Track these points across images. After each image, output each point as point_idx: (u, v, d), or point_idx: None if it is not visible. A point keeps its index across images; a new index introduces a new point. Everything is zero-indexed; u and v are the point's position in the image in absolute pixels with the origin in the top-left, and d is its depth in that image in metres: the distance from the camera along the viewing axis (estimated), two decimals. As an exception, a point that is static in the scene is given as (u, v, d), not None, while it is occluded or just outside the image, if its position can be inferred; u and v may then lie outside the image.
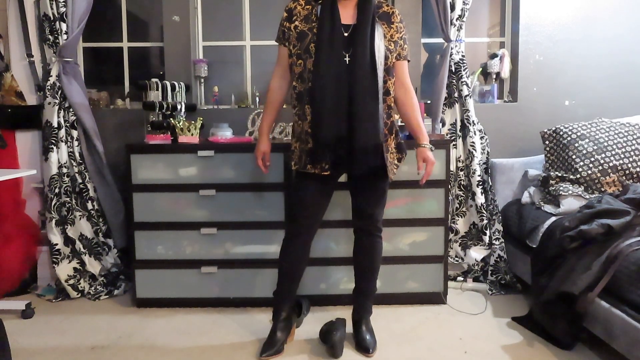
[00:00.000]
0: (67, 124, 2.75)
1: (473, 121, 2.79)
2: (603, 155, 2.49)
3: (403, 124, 2.57)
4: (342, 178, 2.12)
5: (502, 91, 3.17)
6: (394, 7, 2.01)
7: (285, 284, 2.12)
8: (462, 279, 2.84)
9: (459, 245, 2.87)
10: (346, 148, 1.86)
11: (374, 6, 1.90)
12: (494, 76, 3.06)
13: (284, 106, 2.20)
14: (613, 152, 2.48)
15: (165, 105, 2.65)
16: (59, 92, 2.72)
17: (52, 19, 2.67)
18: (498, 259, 2.76)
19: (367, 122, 1.84)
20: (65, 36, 2.69)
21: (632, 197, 2.18)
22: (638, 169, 2.45)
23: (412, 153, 2.13)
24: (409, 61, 2.05)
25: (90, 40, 3.13)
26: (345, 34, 1.87)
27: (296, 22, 1.92)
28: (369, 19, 1.86)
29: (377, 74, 1.85)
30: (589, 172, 2.47)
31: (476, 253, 2.81)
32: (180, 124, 2.57)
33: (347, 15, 1.90)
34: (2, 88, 2.80)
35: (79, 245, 2.75)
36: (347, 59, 1.84)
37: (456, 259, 2.87)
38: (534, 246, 2.40)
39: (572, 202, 2.42)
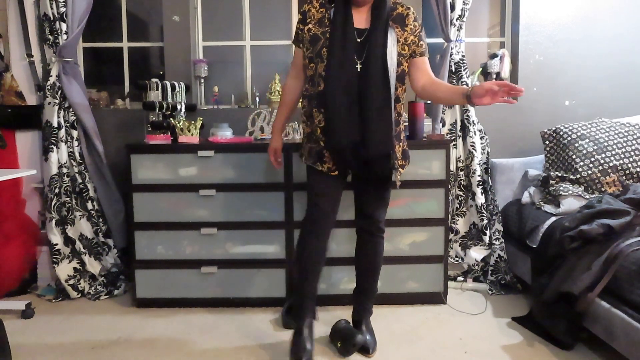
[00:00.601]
0: (67, 124, 2.75)
1: (473, 121, 2.80)
2: (603, 155, 2.49)
3: (406, 123, 2.58)
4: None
5: (502, 91, 3.17)
6: (409, 7, 1.95)
7: (310, 282, 2.03)
8: (462, 279, 2.84)
9: (459, 245, 2.87)
10: (359, 154, 1.85)
11: (388, 9, 1.87)
12: (494, 76, 3.06)
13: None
14: (613, 152, 2.48)
15: (165, 105, 2.65)
16: (59, 92, 2.72)
17: (52, 19, 2.67)
18: (498, 259, 2.76)
19: (379, 131, 1.83)
20: (65, 36, 2.69)
21: (632, 197, 2.18)
22: (638, 169, 2.45)
23: (413, 153, 2.13)
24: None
25: (90, 40, 3.13)
26: (359, 40, 1.84)
27: (310, 25, 1.91)
28: (383, 25, 1.84)
29: (389, 82, 1.83)
30: (589, 172, 2.47)
31: (476, 253, 2.81)
32: (180, 124, 2.57)
33: (361, 19, 1.87)
34: (2, 88, 2.80)
35: (79, 245, 2.75)
36: (358, 65, 1.83)
37: (456, 259, 2.87)
38: (534, 246, 2.40)
39: (572, 202, 2.41)
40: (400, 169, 2.03)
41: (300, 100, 2.03)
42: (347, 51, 1.82)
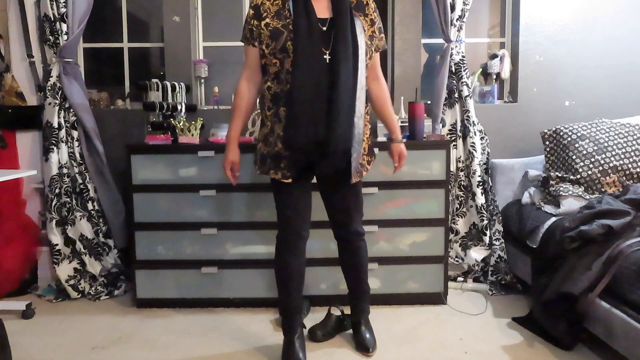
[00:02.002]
0: (68, 125, 2.75)
1: (473, 122, 2.80)
2: (603, 155, 2.49)
3: (406, 124, 2.58)
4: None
5: (502, 92, 3.17)
6: None
7: (292, 297, 1.99)
8: (462, 279, 2.84)
9: (459, 246, 2.87)
10: (320, 152, 1.74)
11: None
12: (494, 77, 3.06)
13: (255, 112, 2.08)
14: (613, 153, 2.48)
15: (165, 106, 2.65)
16: (60, 92, 2.72)
17: (52, 19, 2.68)
18: (498, 260, 2.76)
19: (345, 125, 1.73)
20: (65, 37, 2.69)
21: (632, 198, 2.18)
22: (638, 170, 2.45)
23: (413, 154, 2.12)
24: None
25: (90, 41, 3.13)
26: (324, 29, 1.75)
27: (267, 20, 1.78)
28: (347, 11, 1.76)
29: (358, 72, 1.75)
30: (589, 172, 2.47)
31: (476, 253, 2.81)
32: (181, 124, 2.57)
33: (321, 7, 1.78)
34: (2, 88, 2.80)
35: (79, 246, 2.75)
36: (327, 56, 1.72)
37: (456, 259, 2.87)
38: (534, 247, 2.39)
39: (572, 202, 2.41)
40: (367, 165, 1.96)
41: (265, 102, 1.88)
42: (314, 43, 1.72)
